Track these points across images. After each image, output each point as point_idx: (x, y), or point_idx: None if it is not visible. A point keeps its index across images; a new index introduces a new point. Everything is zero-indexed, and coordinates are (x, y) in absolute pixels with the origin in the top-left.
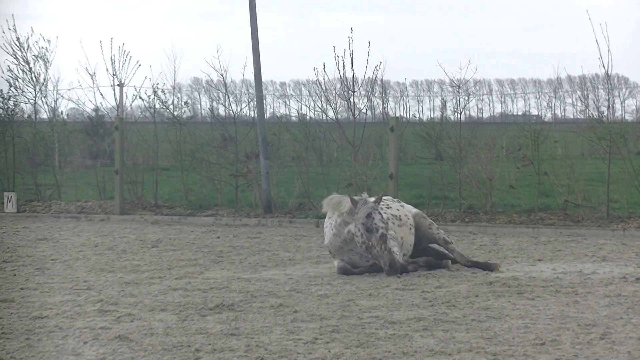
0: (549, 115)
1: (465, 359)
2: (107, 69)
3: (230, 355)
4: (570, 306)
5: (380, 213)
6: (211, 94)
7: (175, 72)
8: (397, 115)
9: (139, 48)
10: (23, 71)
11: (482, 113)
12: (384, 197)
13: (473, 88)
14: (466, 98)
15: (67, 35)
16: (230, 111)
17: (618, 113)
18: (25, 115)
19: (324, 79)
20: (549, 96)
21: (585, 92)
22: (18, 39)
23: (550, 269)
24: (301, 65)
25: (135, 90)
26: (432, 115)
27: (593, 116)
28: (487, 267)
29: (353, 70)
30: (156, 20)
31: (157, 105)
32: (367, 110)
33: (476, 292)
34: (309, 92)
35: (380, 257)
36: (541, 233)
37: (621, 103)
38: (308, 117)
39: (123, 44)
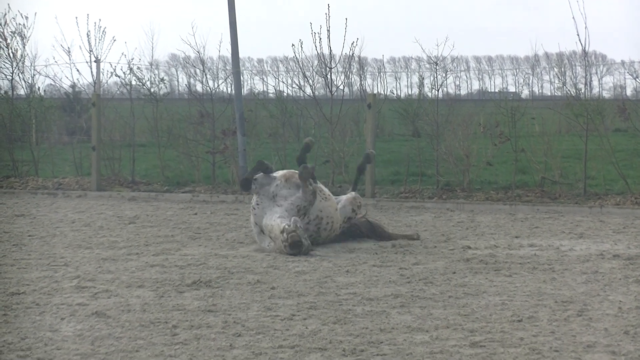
0: (526, 92)
1: (442, 336)
2: (82, 45)
3: (207, 332)
4: (548, 283)
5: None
6: (188, 70)
7: (152, 48)
8: (375, 92)
9: (114, 24)
10: (0, 47)
11: (459, 90)
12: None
13: (450, 65)
14: (443, 75)
15: (43, 11)
16: (208, 88)
17: (595, 90)
18: (2, 92)
19: (301, 56)
20: (526, 73)
21: (562, 69)
22: None
23: (528, 245)
24: (278, 41)
25: (111, 66)
26: (409, 92)
27: (570, 93)
28: (408, 238)
29: (330, 46)
30: None
31: (134, 82)
32: (344, 87)
33: (453, 269)
34: (286, 68)
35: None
36: (518, 210)
37: (599, 80)
38: (285, 94)
39: (99, 19)
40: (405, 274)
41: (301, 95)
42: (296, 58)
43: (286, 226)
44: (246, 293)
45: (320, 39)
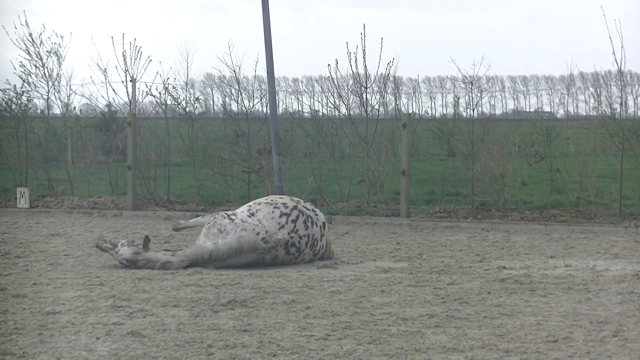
0: (561, 111)
1: (478, 356)
2: (118, 65)
3: (242, 352)
4: (583, 303)
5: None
6: (224, 90)
7: (187, 68)
8: (410, 111)
9: (150, 43)
10: (36, 67)
11: (494, 110)
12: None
13: (486, 84)
14: (479, 94)
15: (79, 30)
16: (243, 107)
17: (631, 110)
18: (38, 111)
19: (336, 75)
20: (561, 93)
21: (597, 89)
22: (30, 35)
23: (563, 266)
24: (313, 61)
25: (147, 86)
26: (444, 112)
27: (605, 113)
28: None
29: (365, 66)
30: (159, 15)
31: (169, 101)
32: (379, 107)
33: (488, 289)
34: (321, 88)
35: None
36: (553, 230)
37: (634, 100)
38: (320, 113)
39: (135, 39)
40: (440, 294)
41: (336, 114)
42: (332, 77)
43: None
44: (281, 313)
45: (356, 58)
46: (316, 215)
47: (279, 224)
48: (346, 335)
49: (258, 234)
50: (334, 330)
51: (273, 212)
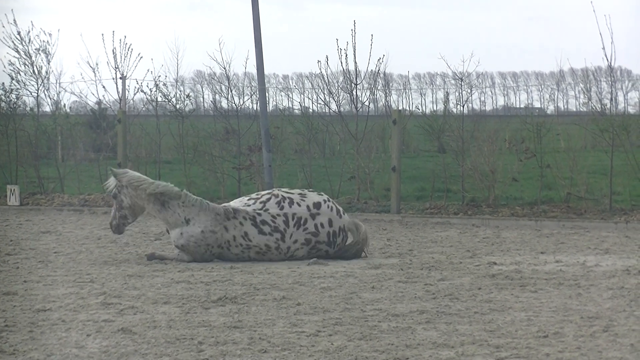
0: (551, 108)
1: (468, 352)
2: (108, 62)
3: (233, 348)
4: (573, 299)
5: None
6: (214, 87)
7: (178, 65)
8: (400, 108)
9: (138, 41)
10: (25, 64)
11: (484, 106)
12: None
13: (475, 81)
14: (469, 91)
15: (67, 28)
16: (233, 104)
17: (621, 106)
18: (28, 109)
19: (326, 72)
20: (551, 89)
21: (587, 85)
22: (19, 33)
23: (553, 261)
24: (304, 58)
25: (137, 83)
26: (434, 108)
27: (596, 109)
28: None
29: (356, 63)
30: (149, 12)
31: (160, 98)
32: (369, 103)
33: (479, 285)
34: (311, 84)
35: None
36: (544, 226)
37: (624, 95)
38: (311, 110)
39: (125, 36)
40: (431, 289)
41: (327, 111)
42: (322, 74)
43: None
44: (272, 309)
45: (346, 55)
46: (303, 198)
47: (245, 204)
48: (337, 332)
49: (218, 213)
50: (324, 326)
51: (243, 199)
